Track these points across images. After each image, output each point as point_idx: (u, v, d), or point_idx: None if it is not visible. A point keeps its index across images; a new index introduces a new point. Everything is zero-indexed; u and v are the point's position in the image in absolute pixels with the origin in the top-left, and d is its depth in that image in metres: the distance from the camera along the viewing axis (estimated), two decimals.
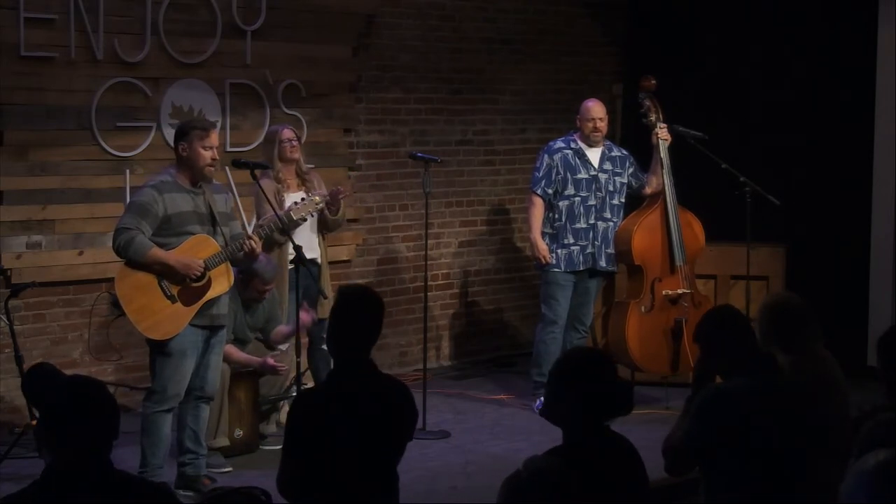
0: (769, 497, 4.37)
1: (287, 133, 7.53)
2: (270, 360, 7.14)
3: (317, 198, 7.02)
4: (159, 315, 6.25)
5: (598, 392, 3.98)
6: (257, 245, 6.44)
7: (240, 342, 7.20)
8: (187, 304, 6.29)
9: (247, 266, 6.89)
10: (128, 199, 7.49)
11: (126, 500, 3.46)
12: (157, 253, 6.21)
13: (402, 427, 4.53)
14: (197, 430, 6.51)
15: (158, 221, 6.24)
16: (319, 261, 7.59)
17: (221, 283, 6.40)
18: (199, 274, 6.27)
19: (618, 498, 3.93)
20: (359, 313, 4.52)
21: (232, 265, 6.50)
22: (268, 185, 7.41)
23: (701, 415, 4.46)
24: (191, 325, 6.31)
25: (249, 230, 7.53)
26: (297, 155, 7.50)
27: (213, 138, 6.39)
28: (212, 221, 6.39)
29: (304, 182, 7.53)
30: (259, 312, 7.29)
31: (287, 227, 6.92)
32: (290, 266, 7.32)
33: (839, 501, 2.82)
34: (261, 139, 8.41)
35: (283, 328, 7.36)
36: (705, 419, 4.44)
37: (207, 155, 6.33)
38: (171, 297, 6.26)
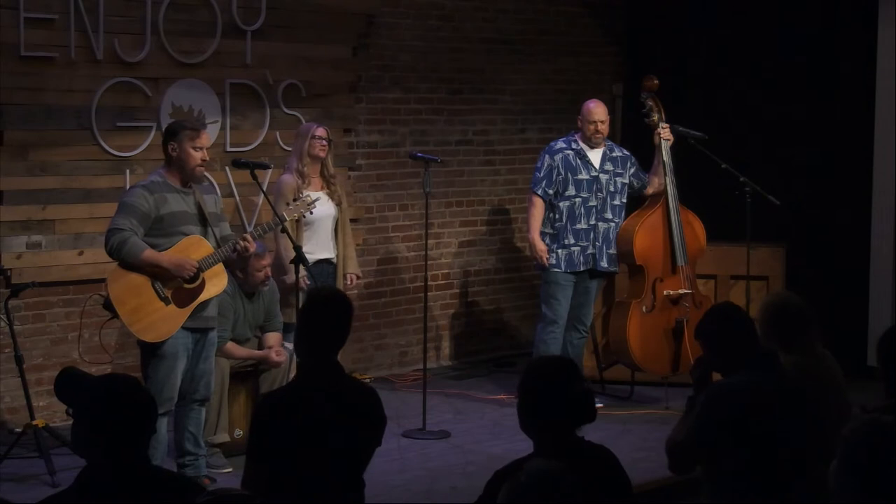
0: (770, 496, 4.37)
1: (321, 131, 7.67)
2: (274, 355, 7.12)
3: (309, 198, 7.02)
4: (153, 317, 6.21)
5: (559, 402, 3.91)
6: (250, 245, 6.43)
7: (236, 342, 7.16)
8: (181, 305, 6.25)
9: (241, 265, 6.90)
10: None
11: (165, 495, 3.45)
12: (151, 254, 6.17)
13: (370, 432, 4.43)
14: (196, 434, 6.50)
15: (150, 222, 6.20)
16: (335, 260, 7.64)
17: (215, 284, 6.36)
18: (192, 274, 6.23)
19: None
20: (327, 316, 4.44)
21: (225, 266, 6.47)
22: (289, 180, 7.45)
23: (705, 411, 4.46)
24: (182, 327, 6.27)
25: (249, 230, 7.55)
26: (324, 154, 7.64)
27: (204, 139, 6.37)
28: (203, 222, 6.36)
29: (328, 184, 7.60)
30: (259, 307, 7.26)
31: (284, 227, 6.90)
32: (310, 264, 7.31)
33: None
34: (261, 139, 8.45)
35: (274, 341, 7.32)
36: (709, 415, 4.44)
37: (198, 156, 6.31)
38: (164, 299, 6.22)
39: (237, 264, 6.79)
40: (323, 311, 4.47)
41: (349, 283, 7.81)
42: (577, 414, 3.94)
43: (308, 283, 7.31)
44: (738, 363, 4.57)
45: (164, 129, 6.55)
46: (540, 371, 4.05)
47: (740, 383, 4.49)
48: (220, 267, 6.38)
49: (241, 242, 6.37)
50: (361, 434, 4.39)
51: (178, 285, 6.24)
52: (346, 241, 7.79)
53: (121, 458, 3.42)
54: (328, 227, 7.62)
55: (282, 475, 4.24)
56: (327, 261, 7.61)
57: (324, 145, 7.62)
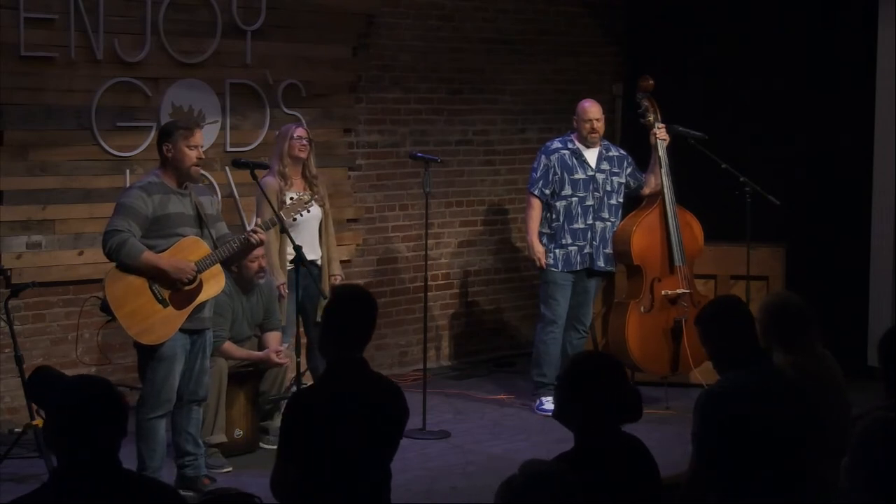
0: (769, 496, 4.36)
1: (300, 131, 7.57)
2: (274, 355, 7.12)
3: (305, 197, 7.01)
4: (151, 319, 6.17)
5: (609, 398, 3.98)
6: (264, 237, 6.46)
7: (236, 341, 7.16)
8: (179, 307, 6.21)
9: (238, 262, 6.91)
10: None
11: (136, 499, 3.45)
12: (150, 256, 6.12)
13: (394, 426, 4.50)
14: (195, 434, 6.48)
15: (148, 223, 6.16)
16: (320, 262, 7.60)
17: (213, 285, 6.33)
18: (191, 277, 6.20)
19: (630, 499, 3.93)
20: (353, 313, 4.49)
21: (222, 266, 6.44)
22: (271, 182, 7.42)
23: (702, 419, 4.45)
24: (179, 329, 6.24)
25: (249, 228, 7.54)
26: (305, 154, 7.51)
27: (198, 137, 6.33)
28: (199, 223, 6.34)
29: (310, 185, 7.54)
30: (257, 304, 7.26)
31: (283, 226, 6.90)
32: (290, 266, 7.35)
33: None
34: (261, 139, 8.46)
35: (273, 340, 7.32)
36: (706, 420, 4.43)
37: (192, 154, 6.26)
38: (162, 301, 6.18)
39: (236, 259, 6.76)
40: (350, 309, 4.51)
41: (334, 283, 7.78)
42: (626, 411, 4.04)
43: (287, 291, 7.36)
44: (732, 358, 4.56)
45: (158, 131, 6.51)
46: (589, 366, 4.11)
47: (734, 383, 4.48)
48: (217, 268, 6.34)
49: (255, 236, 6.37)
50: (386, 429, 4.46)
51: (175, 287, 6.21)
52: (329, 242, 7.71)
53: (91, 460, 3.41)
54: (314, 228, 7.53)
55: (310, 472, 4.29)
56: (312, 262, 7.54)
57: (304, 145, 7.50)
